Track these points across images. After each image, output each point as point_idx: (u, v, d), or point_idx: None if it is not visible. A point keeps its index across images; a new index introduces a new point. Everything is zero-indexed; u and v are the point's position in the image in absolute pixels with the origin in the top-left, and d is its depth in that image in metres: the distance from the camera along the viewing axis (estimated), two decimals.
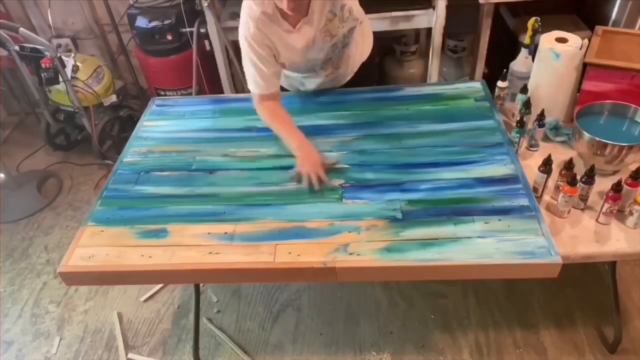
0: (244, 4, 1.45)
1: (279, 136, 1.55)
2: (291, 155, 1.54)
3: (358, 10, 1.55)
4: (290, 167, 1.50)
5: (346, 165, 1.49)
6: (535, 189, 1.37)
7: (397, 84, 2.33)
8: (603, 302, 1.82)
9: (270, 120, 1.56)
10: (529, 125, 1.57)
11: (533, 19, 1.63)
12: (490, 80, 1.79)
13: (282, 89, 1.82)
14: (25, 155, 2.96)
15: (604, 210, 1.29)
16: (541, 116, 1.49)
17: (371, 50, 1.79)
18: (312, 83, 1.76)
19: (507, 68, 1.73)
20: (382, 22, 2.34)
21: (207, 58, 2.63)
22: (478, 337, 1.81)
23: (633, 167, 1.30)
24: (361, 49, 1.73)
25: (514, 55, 1.76)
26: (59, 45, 2.75)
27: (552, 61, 1.52)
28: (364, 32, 1.72)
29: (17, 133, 3.22)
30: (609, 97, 1.50)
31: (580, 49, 1.50)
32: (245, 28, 1.44)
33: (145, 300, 2.08)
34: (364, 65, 1.77)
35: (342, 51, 1.61)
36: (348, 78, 1.78)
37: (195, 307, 1.81)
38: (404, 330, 1.86)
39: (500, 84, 1.69)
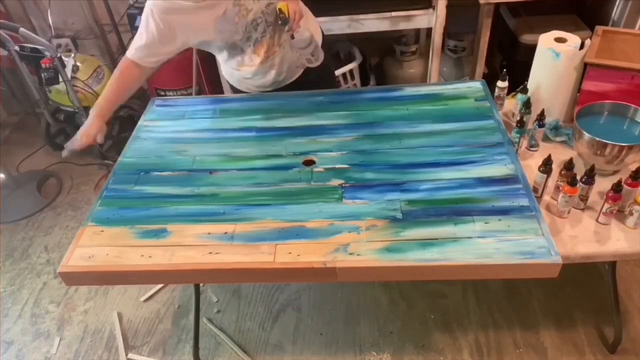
0: None
1: (101, 93, 1.61)
2: (291, 155, 1.54)
3: None
4: (290, 167, 1.50)
5: (346, 165, 1.49)
6: (535, 189, 1.37)
7: (397, 84, 2.33)
8: (603, 302, 1.82)
9: (114, 77, 1.59)
10: (529, 125, 1.57)
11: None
12: (490, 80, 1.79)
13: (239, 91, 1.85)
14: (26, 155, 2.96)
15: (604, 210, 1.29)
16: (541, 116, 1.49)
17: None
18: (256, 79, 1.74)
19: (507, 68, 1.73)
20: (382, 22, 2.34)
21: (207, 58, 2.63)
22: (478, 337, 1.81)
23: (633, 167, 1.30)
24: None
25: (514, 55, 1.76)
26: (59, 45, 2.75)
27: (551, 61, 1.52)
28: (311, 27, 1.68)
29: (17, 133, 3.22)
30: (609, 97, 1.50)
31: (581, 48, 1.50)
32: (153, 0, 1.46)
33: (145, 300, 2.08)
34: (314, 69, 1.75)
35: (268, 30, 1.58)
36: (296, 72, 1.75)
37: (195, 307, 1.81)
38: (404, 330, 1.86)
39: (500, 84, 1.69)
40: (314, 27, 1.73)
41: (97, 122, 1.56)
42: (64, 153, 1.58)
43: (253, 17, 1.53)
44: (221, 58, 1.75)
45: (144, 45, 1.53)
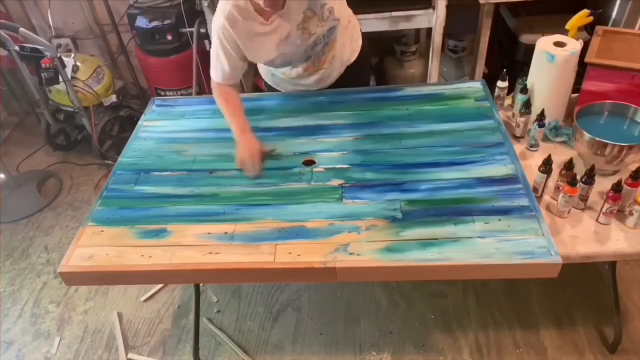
0: None
1: (227, 120, 1.59)
2: (291, 155, 1.54)
3: (341, 10, 1.55)
4: (290, 167, 1.50)
5: (346, 165, 1.49)
6: (535, 189, 1.37)
7: (397, 84, 2.33)
8: (603, 302, 1.82)
9: (222, 104, 1.60)
10: (529, 125, 1.57)
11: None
12: (490, 80, 1.79)
13: (272, 88, 1.86)
14: (25, 155, 2.96)
15: (604, 210, 1.29)
16: (541, 116, 1.49)
17: (360, 51, 1.77)
18: (295, 84, 1.76)
19: (507, 68, 1.73)
20: (382, 22, 2.34)
21: (207, 58, 2.60)
22: (478, 337, 1.81)
23: (633, 167, 1.30)
24: (349, 50, 1.72)
25: (514, 55, 1.76)
26: (59, 45, 2.75)
27: (547, 63, 1.52)
28: (352, 34, 1.71)
29: (17, 133, 3.22)
30: (609, 97, 1.50)
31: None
32: (218, 20, 1.47)
33: (145, 300, 2.08)
34: (353, 67, 1.76)
35: (323, 50, 1.61)
36: (333, 79, 1.77)
37: (195, 307, 1.81)
38: (404, 330, 1.86)
39: (500, 83, 1.70)
40: (356, 45, 1.76)
41: (248, 136, 1.52)
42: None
43: (315, 40, 1.55)
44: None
45: (228, 68, 1.56)
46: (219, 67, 1.57)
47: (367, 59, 1.88)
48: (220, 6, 1.47)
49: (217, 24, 1.48)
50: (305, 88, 1.78)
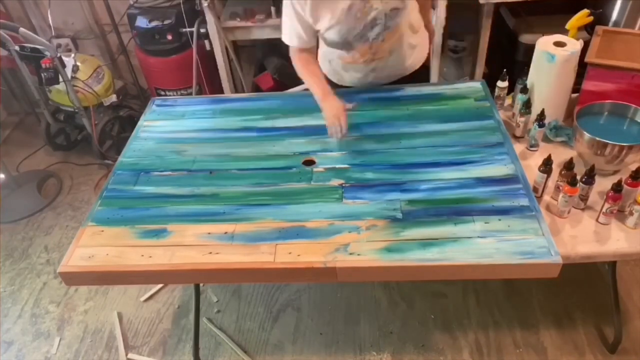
0: None
1: (307, 85, 1.61)
2: (291, 155, 1.54)
3: (411, 2, 1.55)
4: (290, 167, 1.51)
5: (346, 165, 1.49)
6: (535, 189, 1.37)
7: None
8: (603, 302, 1.82)
9: (302, 70, 1.60)
10: (529, 125, 1.57)
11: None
12: (490, 80, 1.79)
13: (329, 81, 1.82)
14: (25, 155, 2.96)
15: (604, 210, 1.29)
16: (541, 116, 1.49)
17: (424, 62, 1.78)
18: (351, 74, 1.75)
19: (507, 68, 1.73)
20: None
21: (207, 58, 2.63)
22: (478, 337, 1.81)
23: (633, 167, 1.30)
24: (412, 55, 1.71)
25: (514, 55, 1.76)
26: (59, 45, 2.75)
27: (547, 62, 1.52)
28: (420, 42, 1.72)
29: (17, 133, 3.22)
30: (609, 97, 1.50)
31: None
32: None
33: (146, 300, 2.08)
34: (414, 75, 1.77)
35: (382, 36, 1.58)
36: (390, 78, 1.76)
37: (196, 307, 1.81)
38: (404, 330, 1.86)
39: (500, 84, 1.69)
40: (422, 53, 1.77)
41: (331, 99, 1.53)
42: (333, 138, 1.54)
43: (374, 15, 1.51)
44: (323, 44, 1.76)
45: (304, 33, 1.54)
46: (294, 33, 1.55)
47: (428, 73, 1.89)
48: None
49: None
50: (360, 81, 1.76)
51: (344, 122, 1.50)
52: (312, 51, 1.64)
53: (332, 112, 1.51)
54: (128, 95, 2.99)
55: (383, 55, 1.65)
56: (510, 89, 1.72)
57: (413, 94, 1.76)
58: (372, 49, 1.61)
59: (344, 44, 1.62)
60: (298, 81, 2.42)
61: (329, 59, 1.75)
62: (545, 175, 1.35)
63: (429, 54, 1.82)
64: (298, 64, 1.61)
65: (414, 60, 1.73)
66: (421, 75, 1.81)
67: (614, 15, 2.26)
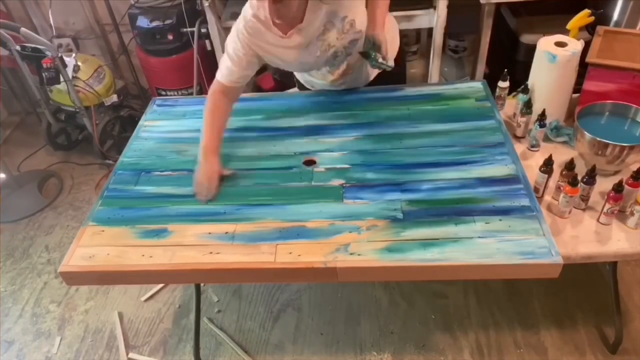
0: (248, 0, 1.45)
1: (202, 131, 1.51)
2: (292, 155, 1.54)
3: (364, 22, 1.48)
4: (291, 167, 1.50)
5: (347, 165, 1.49)
6: (536, 189, 1.37)
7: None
8: (604, 302, 1.82)
9: (207, 113, 1.52)
10: (530, 125, 1.57)
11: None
12: (491, 80, 1.79)
13: (302, 87, 1.85)
14: (26, 155, 2.96)
15: (605, 210, 1.29)
16: (542, 116, 1.49)
17: (398, 53, 1.74)
18: (322, 83, 1.75)
19: (508, 68, 1.73)
20: None
21: (208, 58, 2.63)
22: (479, 337, 1.81)
23: (634, 168, 1.30)
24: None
25: (515, 55, 1.76)
26: (60, 45, 2.75)
27: (548, 63, 1.52)
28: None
29: (18, 133, 3.22)
30: (610, 97, 1.50)
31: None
32: (239, 23, 1.46)
33: (146, 300, 2.08)
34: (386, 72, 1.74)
35: (346, 60, 1.59)
36: (365, 82, 1.76)
37: (196, 307, 1.81)
38: (404, 330, 1.86)
39: (501, 84, 1.69)
40: (392, 37, 1.69)
41: (211, 159, 1.45)
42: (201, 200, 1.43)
43: (334, 51, 1.52)
44: None
45: (237, 71, 1.49)
46: (226, 68, 1.51)
47: (404, 61, 1.86)
48: (242, 13, 1.45)
49: (237, 26, 1.46)
50: (333, 86, 1.76)
51: (213, 187, 1.42)
52: (232, 96, 1.56)
53: (206, 175, 1.43)
54: (129, 95, 2.99)
55: (351, 71, 1.65)
56: (511, 89, 1.72)
57: (414, 94, 1.76)
58: (339, 69, 1.62)
59: (306, 72, 1.63)
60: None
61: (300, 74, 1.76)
62: (546, 176, 1.35)
63: (400, 38, 1.78)
64: (209, 103, 1.53)
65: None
66: (398, 63, 1.74)
67: (615, 15, 2.26)
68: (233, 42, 1.48)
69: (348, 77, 1.68)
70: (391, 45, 1.61)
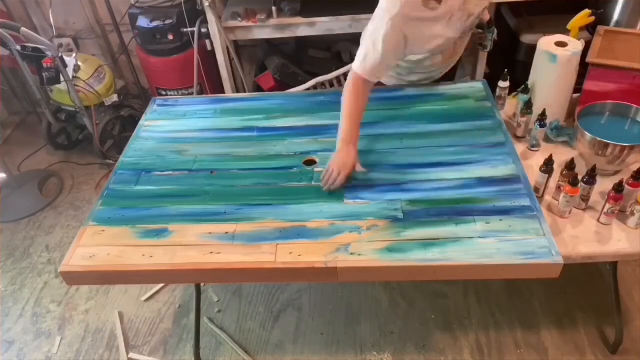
0: None
1: (341, 116, 1.47)
2: (292, 155, 1.54)
3: None
4: (291, 167, 1.51)
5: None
6: (536, 189, 1.37)
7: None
8: (604, 302, 1.82)
9: (348, 100, 1.47)
10: (531, 125, 1.57)
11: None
12: (491, 80, 1.79)
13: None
14: (27, 154, 2.96)
15: (605, 210, 1.29)
16: (542, 116, 1.49)
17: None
18: (411, 77, 1.76)
19: (508, 68, 1.73)
20: None
21: (209, 58, 2.63)
22: (479, 337, 1.81)
23: (635, 168, 1.30)
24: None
25: (515, 55, 1.76)
26: (61, 45, 2.75)
27: (548, 63, 1.52)
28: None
29: (19, 133, 3.22)
30: (611, 97, 1.50)
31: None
32: (394, 6, 1.36)
33: (147, 300, 2.08)
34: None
35: (468, 35, 1.57)
36: (438, 76, 1.77)
37: (196, 306, 1.81)
38: (404, 330, 1.86)
39: (501, 84, 1.69)
40: None
41: (350, 149, 1.41)
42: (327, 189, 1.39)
43: (472, 21, 1.52)
44: None
45: (372, 64, 1.42)
46: (370, 59, 1.41)
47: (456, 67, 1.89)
48: (387, 6, 1.38)
49: (392, 9, 1.37)
50: (405, 81, 1.78)
51: (344, 177, 1.37)
52: (372, 85, 1.50)
53: (342, 160, 1.39)
54: (129, 95, 2.99)
55: (458, 52, 1.66)
56: (512, 89, 1.72)
57: (414, 94, 1.76)
58: (455, 49, 1.63)
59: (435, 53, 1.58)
60: (299, 81, 2.43)
61: (398, 66, 1.69)
62: (547, 176, 1.35)
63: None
64: (352, 89, 1.46)
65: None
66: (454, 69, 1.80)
67: (616, 15, 2.26)
68: (384, 30, 1.38)
69: (454, 58, 1.68)
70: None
